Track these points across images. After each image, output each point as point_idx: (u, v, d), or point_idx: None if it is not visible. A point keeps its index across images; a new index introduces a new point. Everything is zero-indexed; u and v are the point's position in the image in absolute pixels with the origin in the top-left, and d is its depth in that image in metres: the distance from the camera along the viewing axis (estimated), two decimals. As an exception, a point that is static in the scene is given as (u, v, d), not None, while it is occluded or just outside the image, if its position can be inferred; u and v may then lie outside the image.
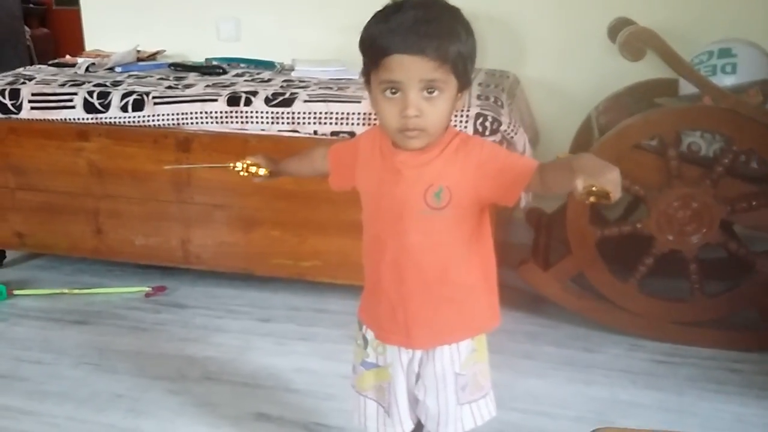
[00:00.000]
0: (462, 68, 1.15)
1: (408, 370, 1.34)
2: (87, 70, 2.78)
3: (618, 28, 2.42)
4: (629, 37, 2.15)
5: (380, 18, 1.15)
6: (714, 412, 1.93)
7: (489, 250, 1.31)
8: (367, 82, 1.20)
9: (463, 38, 1.15)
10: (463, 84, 1.17)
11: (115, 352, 2.19)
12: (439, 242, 1.23)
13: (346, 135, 2.24)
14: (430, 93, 1.12)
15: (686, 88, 2.31)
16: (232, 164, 1.49)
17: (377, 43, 1.13)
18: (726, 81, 2.24)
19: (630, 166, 2.18)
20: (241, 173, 1.47)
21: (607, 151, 2.16)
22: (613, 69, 2.69)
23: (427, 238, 1.22)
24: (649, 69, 2.57)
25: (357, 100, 2.26)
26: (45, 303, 2.50)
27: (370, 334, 1.37)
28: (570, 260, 2.27)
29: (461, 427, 1.36)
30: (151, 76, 2.70)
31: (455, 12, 1.17)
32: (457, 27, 1.15)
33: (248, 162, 1.47)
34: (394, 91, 1.13)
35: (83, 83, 2.51)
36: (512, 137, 2.20)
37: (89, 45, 3.35)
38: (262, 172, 1.47)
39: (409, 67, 1.10)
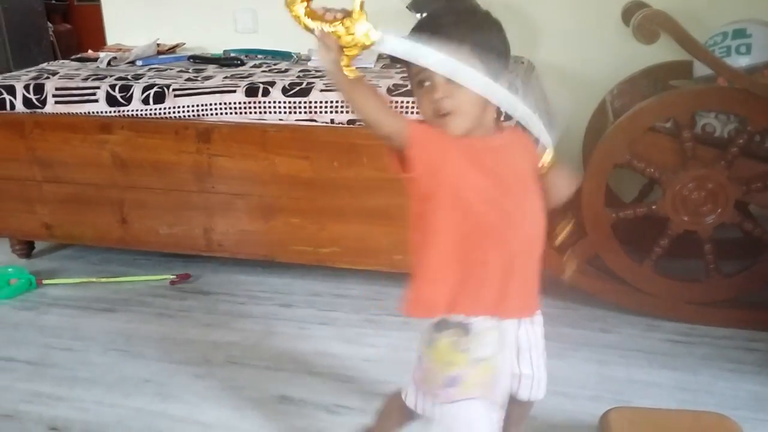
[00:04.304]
0: (485, 54, 1.20)
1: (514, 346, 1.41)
2: (109, 64, 2.83)
3: (632, 11, 2.42)
4: (643, 20, 2.15)
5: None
6: (730, 390, 1.95)
7: None
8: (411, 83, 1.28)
9: (486, 29, 1.23)
10: (493, 72, 1.21)
11: (142, 338, 2.25)
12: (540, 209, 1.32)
13: (362, 123, 2.26)
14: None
15: (701, 69, 2.31)
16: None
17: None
18: (741, 62, 2.24)
19: (645, 148, 2.20)
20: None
21: (622, 134, 2.18)
22: (627, 52, 2.69)
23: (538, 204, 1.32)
24: (663, 52, 2.57)
25: (373, 89, 2.28)
26: (73, 292, 2.57)
27: (477, 326, 1.30)
28: (586, 243, 2.29)
29: (544, 387, 1.48)
30: (171, 69, 2.74)
31: (481, 12, 1.27)
32: (478, 20, 1.24)
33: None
34: (424, 82, 1.20)
35: (105, 77, 2.56)
36: (527, 122, 2.22)
37: (110, 39, 3.41)
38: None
39: None
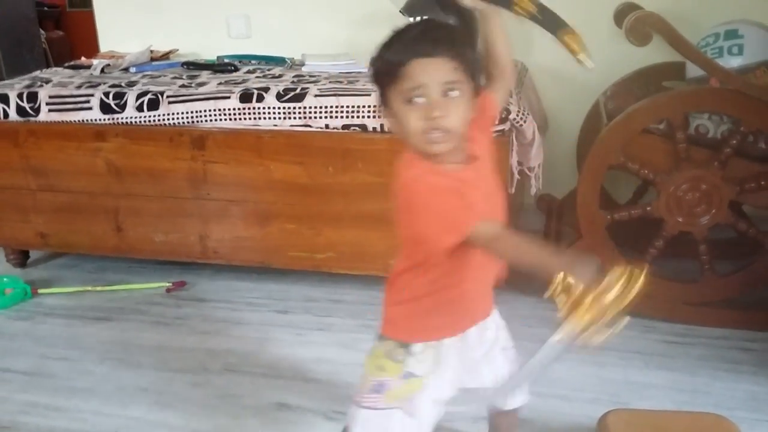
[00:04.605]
0: (475, 73, 1.20)
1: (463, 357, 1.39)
2: (102, 71, 2.83)
3: (624, 13, 2.43)
4: (635, 22, 2.15)
5: (388, 42, 1.22)
6: (727, 391, 1.95)
7: None
8: (385, 105, 1.23)
9: (469, 46, 1.23)
10: (475, 90, 1.22)
11: (138, 347, 2.25)
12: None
13: (357, 128, 2.27)
14: (451, 94, 1.16)
15: (693, 70, 2.32)
16: None
17: (394, 58, 1.18)
18: (733, 62, 2.25)
19: (639, 150, 2.20)
20: None
21: (616, 135, 2.19)
22: (620, 54, 2.68)
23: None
24: (656, 53, 2.57)
25: (367, 93, 2.28)
26: (69, 301, 2.56)
27: (418, 347, 1.34)
28: (581, 244, 2.29)
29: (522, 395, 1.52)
30: (165, 76, 2.74)
31: (455, 28, 1.29)
32: (462, 37, 1.23)
33: None
34: (417, 97, 1.16)
35: (99, 84, 2.55)
36: (521, 125, 2.22)
37: (103, 46, 3.40)
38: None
39: (430, 70, 1.15)
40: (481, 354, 1.42)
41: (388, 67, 1.19)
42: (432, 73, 1.15)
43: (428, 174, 1.20)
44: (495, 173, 1.32)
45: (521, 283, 2.49)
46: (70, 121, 2.49)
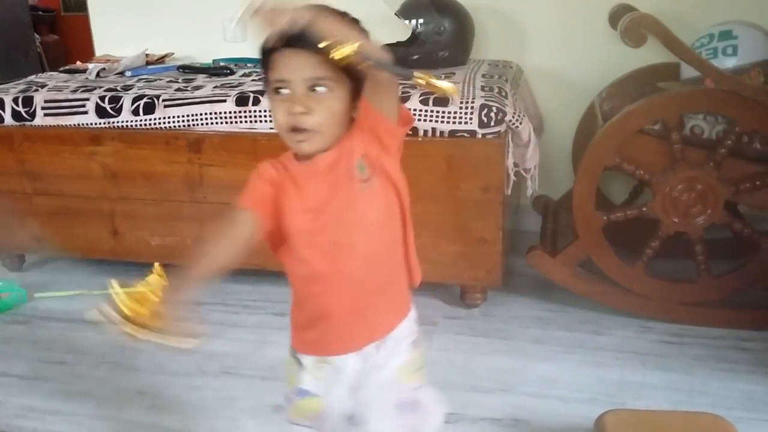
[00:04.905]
0: (351, 72, 1.10)
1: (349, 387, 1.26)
2: (98, 75, 2.83)
3: (619, 14, 2.43)
4: (630, 24, 2.16)
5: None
6: (724, 390, 1.95)
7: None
8: (268, 92, 1.17)
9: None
10: (354, 91, 1.13)
11: (135, 350, 2.23)
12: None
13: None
14: (317, 90, 1.10)
15: (688, 71, 2.33)
16: None
17: (269, 45, 1.11)
18: (727, 63, 2.26)
19: (634, 150, 2.21)
20: None
21: (612, 136, 2.19)
22: (615, 55, 2.70)
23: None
24: (651, 54, 2.58)
25: (362, 96, 2.28)
26: (65, 304, 2.55)
27: (308, 359, 1.27)
28: (577, 245, 2.30)
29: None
30: (161, 79, 2.74)
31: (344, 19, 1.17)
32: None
33: None
34: (281, 89, 1.11)
35: (95, 88, 2.55)
36: (517, 127, 2.23)
37: (99, 50, 3.40)
38: None
39: (294, 63, 1.09)
40: (356, 387, 1.26)
41: (263, 53, 1.13)
42: (296, 69, 1.09)
43: (267, 164, 1.20)
44: (376, 189, 1.17)
45: (516, 285, 2.51)
46: (66, 125, 2.49)
